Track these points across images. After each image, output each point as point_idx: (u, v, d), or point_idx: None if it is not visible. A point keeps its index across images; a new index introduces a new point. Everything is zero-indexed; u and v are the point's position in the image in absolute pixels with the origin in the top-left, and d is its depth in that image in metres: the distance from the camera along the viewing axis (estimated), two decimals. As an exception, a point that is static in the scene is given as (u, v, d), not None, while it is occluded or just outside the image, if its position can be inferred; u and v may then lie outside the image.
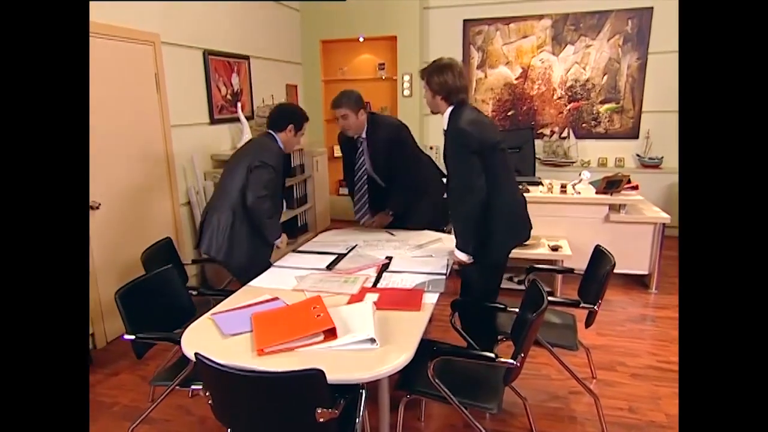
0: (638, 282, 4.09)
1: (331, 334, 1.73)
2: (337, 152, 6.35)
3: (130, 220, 3.37)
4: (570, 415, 2.46)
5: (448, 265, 2.46)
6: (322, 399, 1.47)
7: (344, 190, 6.37)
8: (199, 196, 3.98)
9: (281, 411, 1.52)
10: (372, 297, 2.08)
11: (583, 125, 5.74)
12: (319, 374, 1.43)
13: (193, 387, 1.99)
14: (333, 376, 1.51)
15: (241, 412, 1.58)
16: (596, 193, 4.00)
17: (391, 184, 3.12)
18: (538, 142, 5.78)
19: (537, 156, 5.78)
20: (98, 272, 3.13)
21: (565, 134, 5.75)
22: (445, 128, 2.37)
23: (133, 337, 2.00)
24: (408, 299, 2.06)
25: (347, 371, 1.57)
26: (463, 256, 2.38)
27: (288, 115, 2.85)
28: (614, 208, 3.97)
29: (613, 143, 5.72)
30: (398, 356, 1.63)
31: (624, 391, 2.63)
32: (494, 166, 2.31)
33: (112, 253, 3.22)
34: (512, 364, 1.75)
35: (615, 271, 3.90)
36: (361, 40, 5.93)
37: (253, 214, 2.68)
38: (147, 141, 3.51)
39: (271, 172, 2.70)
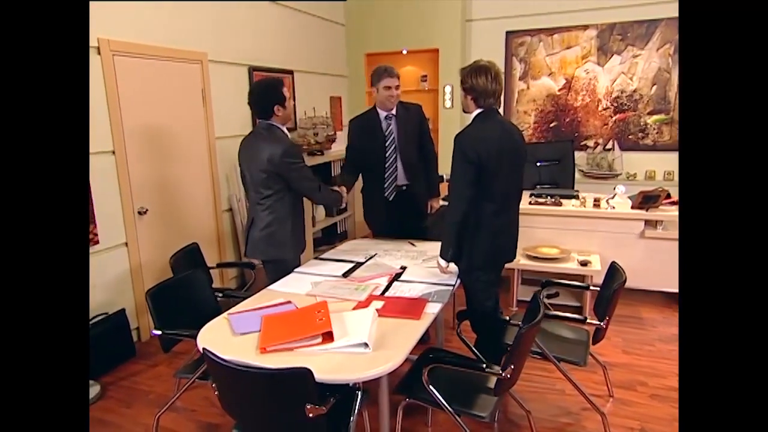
0: (676, 301, 3.95)
1: (328, 336, 1.86)
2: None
3: (175, 224, 3.66)
4: (579, 432, 2.46)
5: (457, 278, 2.52)
6: (311, 396, 1.59)
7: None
8: (240, 204, 4.24)
9: (274, 405, 1.65)
10: (377, 304, 2.19)
11: (630, 137, 5.59)
12: (307, 373, 1.55)
13: (211, 380, 2.17)
14: (323, 376, 1.64)
15: (241, 403, 1.74)
16: (632, 207, 3.91)
17: (422, 161, 3.34)
18: (581, 154, 5.69)
19: (580, 168, 5.70)
20: (144, 271, 3.43)
21: (609, 146, 5.62)
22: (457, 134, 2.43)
23: (159, 332, 2.22)
24: (410, 308, 2.15)
25: (337, 372, 1.69)
26: (442, 262, 2.42)
27: (268, 99, 2.63)
28: (651, 223, 3.86)
29: (663, 156, 5.52)
30: (386, 361, 1.73)
31: (639, 411, 2.59)
32: (490, 182, 2.29)
33: (157, 253, 3.51)
34: (499, 374, 1.80)
35: (650, 289, 3.89)
36: (405, 52, 6.07)
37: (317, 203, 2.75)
38: (193, 152, 3.80)
39: (299, 160, 2.65)
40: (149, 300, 2.24)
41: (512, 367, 1.82)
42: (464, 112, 2.50)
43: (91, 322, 3.02)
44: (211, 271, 3.41)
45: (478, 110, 2.38)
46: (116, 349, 3.13)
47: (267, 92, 2.65)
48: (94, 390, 2.82)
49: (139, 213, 3.36)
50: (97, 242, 3.08)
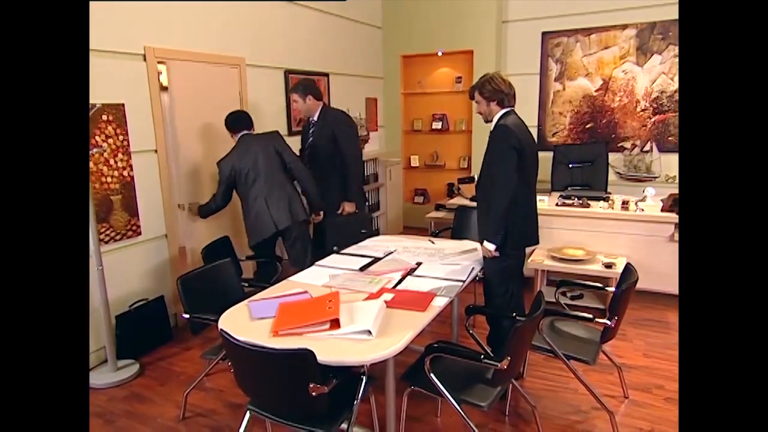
0: (708, 306, 3.85)
1: (336, 323, 1.99)
2: (414, 162, 6.63)
3: (211, 218, 3.89)
4: (587, 430, 2.48)
5: (470, 274, 2.60)
6: (313, 375, 1.72)
7: (419, 198, 6.65)
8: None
9: (281, 383, 1.80)
10: (387, 296, 2.30)
11: (669, 138, 5.44)
12: (309, 354, 1.69)
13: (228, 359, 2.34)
14: (326, 358, 1.77)
15: (252, 381, 1.89)
16: (662, 210, 3.85)
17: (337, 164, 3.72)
18: (618, 156, 5.59)
19: (617, 171, 5.61)
20: (183, 261, 3.67)
21: (647, 148, 5.50)
22: (492, 130, 2.63)
23: (188, 316, 2.42)
24: (418, 301, 2.25)
25: (339, 355, 1.82)
26: (491, 246, 2.57)
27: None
28: (681, 226, 3.78)
29: (705, 158, 5.34)
30: (386, 348, 1.84)
31: (652, 413, 2.58)
32: (525, 169, 2.54)
33: (195, 245, 3.75)
34: (495, 365, 1.88)
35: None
36: (440, 54, 6.15)
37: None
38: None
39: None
40: (180, 286, 2.44)
41: (509, 358, 1.89)
42: (486, 122, 2.70)
43: (132, 307, 3.28)
44: (244, 264, 3.64)
45: (503, 110, 2.61)
46: (154, 333, 3.39)
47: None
48: (133, 368, 3.08)
49: (180, 208, 3.61)
50: (139, 233, 3.35)
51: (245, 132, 3.46)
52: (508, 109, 2.62)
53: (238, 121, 3.47)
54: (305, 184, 3.53)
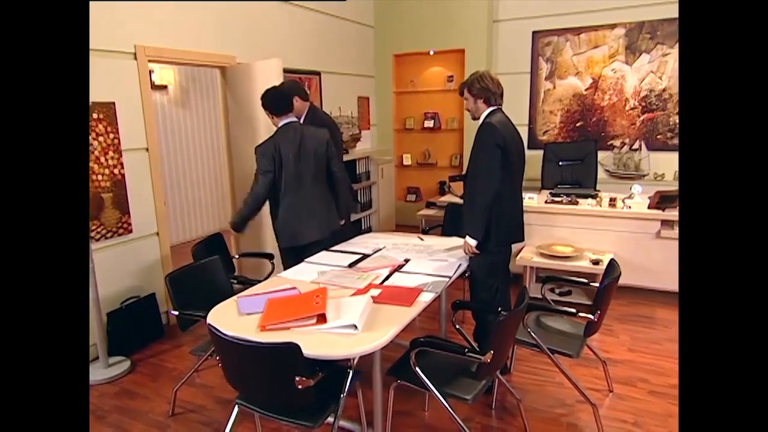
0: (694, 302, 3.91)
1: (322, 318, 2.02)
2: (406, 160, 6.67)
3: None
4: (572, 422, 2.52)
5: (456, 270, 2.64)
6: (299, 369, 1.75)
7: (411, 197, 6.69)
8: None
9: (268, 376, 1.83)
10: (374, 292, 2.34)
11: (658, 137, 5.50)
12: (295, 347, 1.72)
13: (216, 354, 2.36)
14: (312, 352, 1.80)
15: (240, 375, 1.92)
16: (648, 207, 3.90)
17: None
18: (607, 154, 5.65)
19: (606, 168, 5.66)
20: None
21: (636, 146, 5.56)
22: (479, 127, 2.67)
23: (176, 312, 2.44)
24: (404, 296, 2.28)
25: (325, 349, 1.85)
26: (472, 242, 2.63)
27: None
28: (668, 223, 3.84)
29: (693, 156, 5.41)
30: (371, 342, 1.87)
31: (636, 406, 2.63)
32: (510, 166, 2.59)
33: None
34: (479, 359, 1.91)
35: (666, 289, 3.86)
36: (432, 53, 6.18)
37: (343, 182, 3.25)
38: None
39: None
40: (168, 283, 2.47)
41: (492, 352, 1.92)
42: (474, 119, 2.74)
43: (123, 304, 3.30)
44: (238, 261, 3.66)
45: (490, 108, 2.66)
46: (146, 330, 3.41)
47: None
48: (124, 365, 3.10)
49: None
50: (130, 231, 3.37)
51: (293, 120, 3.05)
52: (495, 107, 2.66)
53: (285, 103, 3.02)
54: (342, 193, 3.28)
